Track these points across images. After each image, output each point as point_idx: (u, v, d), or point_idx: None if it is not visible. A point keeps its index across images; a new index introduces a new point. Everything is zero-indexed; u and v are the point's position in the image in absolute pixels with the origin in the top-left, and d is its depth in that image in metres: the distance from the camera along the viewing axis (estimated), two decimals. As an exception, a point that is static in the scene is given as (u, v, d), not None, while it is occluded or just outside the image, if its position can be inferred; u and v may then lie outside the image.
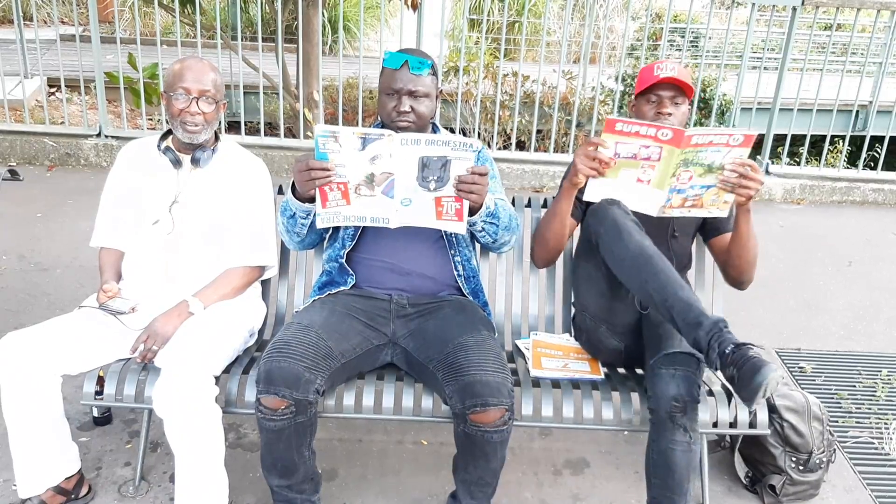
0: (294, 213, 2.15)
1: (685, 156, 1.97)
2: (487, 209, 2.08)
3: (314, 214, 2.11)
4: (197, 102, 2.17)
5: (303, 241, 2.28)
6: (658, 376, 2.03)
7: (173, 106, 2.17)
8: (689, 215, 2.13)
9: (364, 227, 2.24)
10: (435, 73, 2.20)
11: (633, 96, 2.36)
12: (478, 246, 2.42)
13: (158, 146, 2.27)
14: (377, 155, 1.92)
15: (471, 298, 2.31)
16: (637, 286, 2.06)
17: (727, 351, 1.88)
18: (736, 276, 2.33)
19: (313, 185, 1.96)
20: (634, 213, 2.13)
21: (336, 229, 2.30)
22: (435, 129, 2.33)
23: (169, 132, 2.31)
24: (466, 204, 2.00)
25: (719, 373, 1.95)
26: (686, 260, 2.44)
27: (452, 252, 2.27)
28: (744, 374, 1.83)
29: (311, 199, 2.07)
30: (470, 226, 2.12)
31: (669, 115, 2.24)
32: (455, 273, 2.28)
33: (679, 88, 2.23)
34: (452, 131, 3.03)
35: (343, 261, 2.26)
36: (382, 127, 2.20)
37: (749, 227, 2.19)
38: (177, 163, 2.25)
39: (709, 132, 1.95)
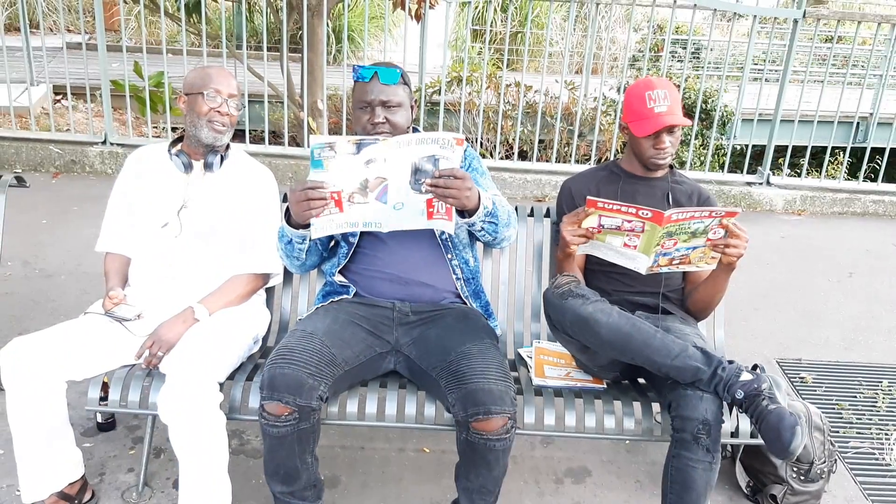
0: (291, 240, 2.16)
1: (667, 229, 2.02)
2: (486, 209, 2.06)
3: (311, 239, 2.13)
4: (227, 103, 2.23)
5: (304, 264, 2.29)
6: (684, 397, 2.01)
7: (203, 105, 2.21)
8: (678, 271, 2.19)
9: (359, 242, 2.26)
10: (407, 83, 2.21)
11: (622, 118, 2.37)
12: (479, 247, 2.42)
13: (169, 151, 2.30)
14: (372, 159, 1.93)
15: (472, 300, 2.32)
16: (626, 360, 2.11)
17: (738, 397, 1.96)
18: (694, 310, 2.40)
19: (310, 215, 1.96)
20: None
21: (334, 247, 2.32)
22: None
23: (177, 140, 2.34)
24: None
25: None
26: (678, 278, 2.45)
27: (449, 256, 2.28)
28: (766, 430, 1.90)
29: (306, 226, 2.07)
30: (469, 226, 2.12)
31: (667, 148, 2.30)
32: (453, 277, 2.30)
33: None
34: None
35: (333, 278, 2.28)
36: None
37: (727, 282, 2.26)
38: (188, 167, 2.27)
39: (689, 210, 2.01)
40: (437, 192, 1.94)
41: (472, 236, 2.32)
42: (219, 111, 2.22)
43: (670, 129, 2.28)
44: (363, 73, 2.16)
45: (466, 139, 2.03)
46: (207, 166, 2.28)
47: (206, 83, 2.22)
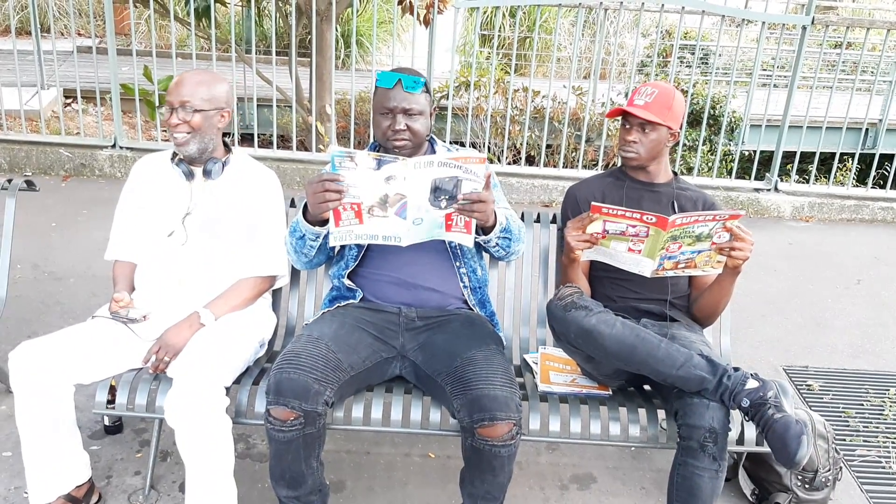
0: (304, 235, 2.16)
1: (671, 234, 2.03)
2: (501, 225, 2.10)
3: (323, 237, 2.14)
4: (176, 113, 2.20)
5: (311, 262, 2.29)
6: (691, 405, 2.01)
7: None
8: (684, 275, 2.18)
9: (368, 245, 2.26)
10: (428, 91, 2.21)
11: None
12: (486, 257, 2.43)
13: (171, 159, 2.31)
14: (392, 175, 1.93)
15: (478, 310, 2.33)
16: (631, 370, 2.11)
17: (744, 405, 1.96)
18: (700, 316, 2.39)
19: (326, 208, 1.96)
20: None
21: (342, 247, 2.33)
22: (432, 144, 2.35)
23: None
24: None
25: None
26: (684, 284, 2.45)
27: (458, 264, 2.29)
28: (772, 439, 1.90)
29: (322, 223, 2.09)
30: (485, 242, 2.14)
31: (633, 142, 2.29)
32: (461, 285, 2.30)
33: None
34: (463, 145, 3.01)
35: (345, 280, 2.29)
36: (377, 148, 2.24)
37: (732, 286, 2.26)
38: (189, 175, 2.28)
39: (692, 215, 2.02)
40: (465, 210, 1.96)
41: (481, 247, 2.33)
42: (169, 123, 2.21)
43: (642, 127, 2.28)
44: (386, 79, 2.15)
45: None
46: (206, 174, 2.28)
47: (166, 98, 2.22)
